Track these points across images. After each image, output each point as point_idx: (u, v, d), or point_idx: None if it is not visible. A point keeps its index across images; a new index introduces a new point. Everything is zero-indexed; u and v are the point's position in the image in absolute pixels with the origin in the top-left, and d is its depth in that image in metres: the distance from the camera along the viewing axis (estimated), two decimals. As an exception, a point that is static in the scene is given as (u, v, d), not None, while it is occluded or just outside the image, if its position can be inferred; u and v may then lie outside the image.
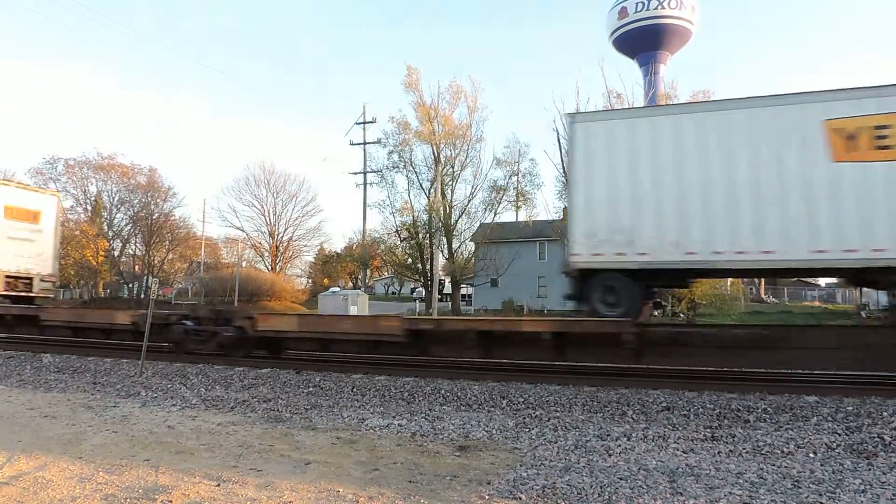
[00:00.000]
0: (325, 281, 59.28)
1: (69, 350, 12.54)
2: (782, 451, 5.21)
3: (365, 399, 7.85)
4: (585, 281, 11.15)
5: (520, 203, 36.14)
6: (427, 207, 34.11)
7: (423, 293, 36.74)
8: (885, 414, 6.54)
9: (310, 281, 60.31)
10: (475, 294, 43.81)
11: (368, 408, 7.31)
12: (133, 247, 49.02)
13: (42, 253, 17.16)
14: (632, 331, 8.78)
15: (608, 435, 5.87)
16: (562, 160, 30.46)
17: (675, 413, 6.82)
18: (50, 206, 17.69)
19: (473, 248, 39.17)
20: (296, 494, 4.14)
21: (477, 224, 36.80)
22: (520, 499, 4.03)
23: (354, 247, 41.74)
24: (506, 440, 5.73)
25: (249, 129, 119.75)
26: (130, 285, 49.65)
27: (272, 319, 11.75)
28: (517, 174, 35.41)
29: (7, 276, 16.04)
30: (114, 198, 47.07)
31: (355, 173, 41.03)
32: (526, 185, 35.53)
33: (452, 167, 34.65)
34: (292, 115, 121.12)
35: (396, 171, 36.37)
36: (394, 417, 6.73)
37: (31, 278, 16.72)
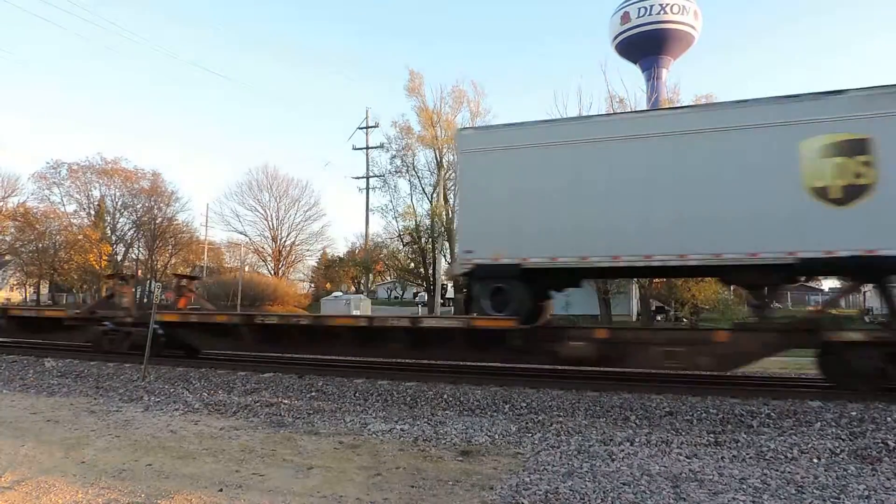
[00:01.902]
0: (328, 285, 59.28)
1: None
2: (786, 457, 5.20)
3: (367, 403, 7.85)
4: None
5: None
6: (430, 212, 34.12)
7: (426, 298, 36.65)
8: (889, 419, 6.53)
9: (312, 285, 60.35)
10: (477, 298, 43.76)
11: (371, 412, 7.31)
12: (136, 251, 49.15)
13: None
14: None
15: (611, 440, 5.85)
16: None
17: (678, 418, 6.81)
18: None
19: (476, 253, 39.08)
20: (298, 499, 4.15)
21: (479, 228, 36.70)
22: (522, 504, 4.03)
23: (357, 251, 41.70)
24: (508, 445, 5.73)
25: (251, 131, 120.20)
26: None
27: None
28: (519, 178, 35.25)
29: None
30: (117, 202, 47.17)
31: (358, 178, 41.06)
32: (528, 190, 35.34)
33: (455, 172, 34.66)
34: (294, 118, 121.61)
35: (399, 176, 36.37)
36: (396, 422, 6.72)
37: None
